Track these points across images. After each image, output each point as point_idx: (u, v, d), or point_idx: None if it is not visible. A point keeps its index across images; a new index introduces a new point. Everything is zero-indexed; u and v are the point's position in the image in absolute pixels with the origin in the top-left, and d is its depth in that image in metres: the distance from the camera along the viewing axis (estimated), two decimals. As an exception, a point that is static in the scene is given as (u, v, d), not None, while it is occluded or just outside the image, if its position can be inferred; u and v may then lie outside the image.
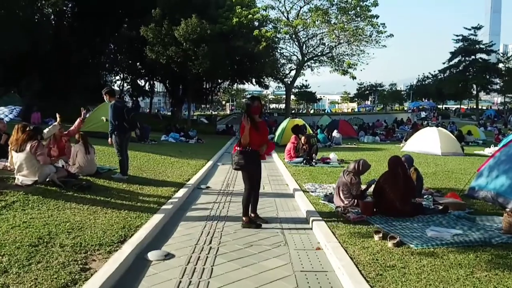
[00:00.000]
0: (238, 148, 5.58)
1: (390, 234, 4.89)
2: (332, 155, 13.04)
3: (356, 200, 6.49)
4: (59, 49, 27.56)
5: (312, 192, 7.88)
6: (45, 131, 7.31)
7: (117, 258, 4.07)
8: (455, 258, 4.31)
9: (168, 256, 4.43)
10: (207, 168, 11.15)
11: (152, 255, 4.41)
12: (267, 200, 7.52)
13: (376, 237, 4.87)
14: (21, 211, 5.26)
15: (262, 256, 4.51)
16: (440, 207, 6.50)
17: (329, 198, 7.04)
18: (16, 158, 6.52)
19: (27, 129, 6.55)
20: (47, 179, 6.57)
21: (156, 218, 5.60)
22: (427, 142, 16.56)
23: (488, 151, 18.11)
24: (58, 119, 8.26)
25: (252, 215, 5.82)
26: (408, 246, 4.67)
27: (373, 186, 6.61)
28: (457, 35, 62.47)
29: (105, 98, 8.17)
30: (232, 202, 7.24)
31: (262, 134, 5.68)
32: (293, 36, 30.22)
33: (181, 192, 7.48)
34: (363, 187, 7.04)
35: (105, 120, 10.73)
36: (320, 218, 5.84)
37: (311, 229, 5.67)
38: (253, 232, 5.42)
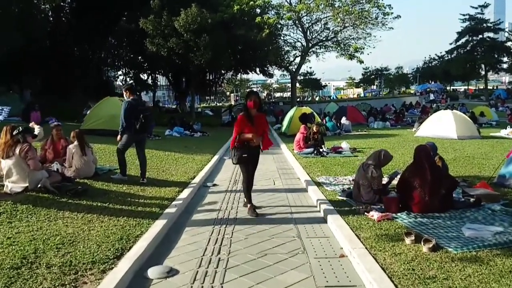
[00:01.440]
0: (236, 144, 5.79)
1: (424, 236, 4.28)
2: (344, 144, 12.40)
3: (378, 196, 5.88)
4: (59, 46, 27.00)
5: (327, 186, 7.27)
6: (36, 132, 6.74)
7: (111, 279, 3.51)
8: (503, 264, 3.70)
9: (171, 272, 3.86)
10: (213, 163, 10.58)
11: (152, 272, 3.84)
12: (279, 196, 6.94)
13: (407, 240, 4.27)
14: (7, 225, 4.72)
15: (279, 269, 3.92)
16: (472, 200, 5.88)
17: (347, 193, 6.43)
18: (4, 163, 5.98)
19: (14, 133, 5.96)
20: (39, 185, 6.03)
21: (158, 225, 5.03)
22: (442, 126, 15.85)
23: (504, 132, 17.42)
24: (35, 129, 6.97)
25: (249, 205, 5.96)
26: (445, 250, 4.06)
27: (396, 178, 6.00)
28: (463, 14, 61.00)
29: (124, 94, 7.75)
30: (241, 201, 6.66)
31: (257, 128, 5.82)
32: (297, 22, 29.40)
33: (186, 192, 6.91)
34: (385, 180, 6.45)
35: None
36: (340, 218, 5.24)
37: (331, 229, 5.08)
38: (266, 237, 4.84)
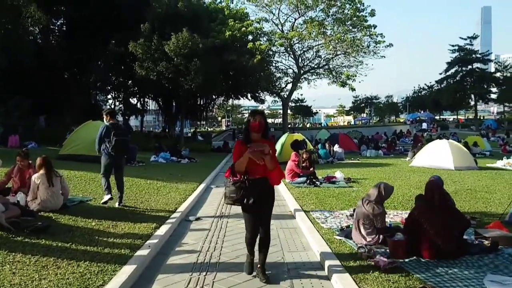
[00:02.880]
0: (231, 178, 4.20)
1: (444, 294, 3.56)
2: (338, 174, 11.73)
3: (381, 236, 5.17)
4: (47, 68, 26.37)
5: (322, 223, 6.54)
6: None
7: None
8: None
9: None
10: (198, 193, 9.80)
11: None
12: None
13: (423, 298, 3.54)
14: None
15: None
16: (487, 242, 5.19)
17: (346, 233, 5.70)
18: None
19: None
20: (-8, 221, 5.22)
21: (125, 272, 4.23)
22: (438, 156, 15.33)
23: (501, 163, 16.97)
24: None
25: (259, 266, 4.39)
26: (471, 312, 3.34)
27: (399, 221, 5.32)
28: (453, 45, 62.05)
29: (104, 119, 7.72)
30: (226, 240, 5.89)
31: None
32: (288, 49, 29.23)
33: (164, 229, 6.11)
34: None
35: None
36: (340, 264, 4.50)
37: (330, 280, 4.34)
38: (253, 290, 4.07)
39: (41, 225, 5.34)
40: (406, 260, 4.58)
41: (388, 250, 4.89)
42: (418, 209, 4.90)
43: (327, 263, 4.60)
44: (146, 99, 41.98)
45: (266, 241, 4.39)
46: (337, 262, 4.59)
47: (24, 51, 23.16)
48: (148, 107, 48.32)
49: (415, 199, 6.14)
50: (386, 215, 5.56)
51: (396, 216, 7.00)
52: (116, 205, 7.49)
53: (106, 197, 7.41)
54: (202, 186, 10.93)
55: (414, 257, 4.62)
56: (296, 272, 4.62)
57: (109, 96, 43.44)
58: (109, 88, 37.86)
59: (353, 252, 4.98)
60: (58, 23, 30.87)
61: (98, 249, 4.93)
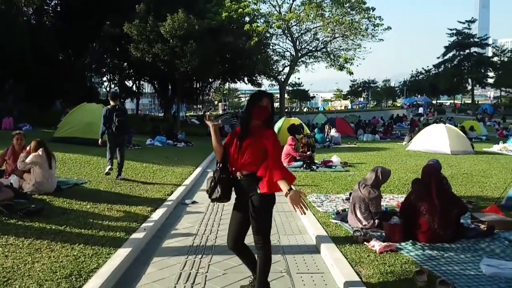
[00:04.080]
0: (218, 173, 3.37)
1: (440, 278, 3.55)
2: (335, 158, 11.70)
3: (378, 220, 5.15)
4: (42, 50, 25.95)
5: (318, 207, 6.52)
6: None
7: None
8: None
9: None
10: (194, 177, 9.76)
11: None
12: (265, 218, 6.15)
13: (419, 282, 3.53)
14: None
15: (263, 320, 3.14)
16: (482, 226, 5.19)
17: (342, 216, 5.68)
18: None
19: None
20: (-16, 203, 5.15)
21: (120, 255, 4.20)
22: (434, 140, 15.30)
23: (497, 148, 17.02)
24: None
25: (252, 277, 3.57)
26: (467, 295, 3.33)
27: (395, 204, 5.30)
28: (451, 29, 61.67)
29: (110, 102, 8.62)
30: (222, 223, 5.86)
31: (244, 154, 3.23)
32: (286, 31, 28.83)
33: (160, 212, 6.08)
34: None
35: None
36: (336, 248, 4.48)
37: (325, 262, 4.33)
38: (249, 272, 4.00)
39: (35, 208, 5.27)
40: (402, 243, 4.56)
41: (384, 234, 4.88)
42: (415, 193, 4.87)
43: (323, 246, 4.59)
44: (142, 82, 41.58)
45: (261, 262, 3.25)
46: (333, 245, 4.57)
47: (17, 32, 22.74)
48: (144, 90, 47.91)
49: (411, 183, 6.10)
50: (382, 199, 5.53)
51: (392, 200, 7.00)
52: (115, 177, 8.36)
53: (107, 168, 8.37)
54: (198, 170, 10.88)
55: (410, 241, 4.60)
56: (290, 252, 4.61)
57: (105, 79, 43.00)
58: (104, 70, 37.43)
59: (349, 236, 4.97)
60: (52, 3, 30.31)
61: (92, 232, 4.89)
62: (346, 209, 5.80)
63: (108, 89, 43.15)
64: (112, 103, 8.46)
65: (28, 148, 6.73)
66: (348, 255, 4.26)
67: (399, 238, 4.67)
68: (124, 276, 3.96)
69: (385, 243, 4.44)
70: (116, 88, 42.55)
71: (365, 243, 4.59)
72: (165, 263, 4.31)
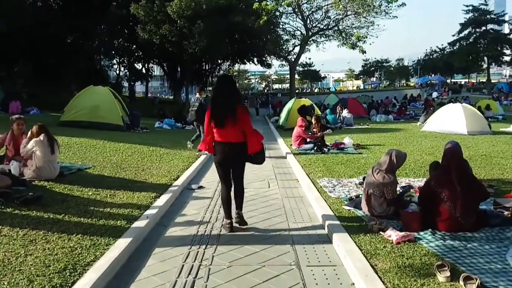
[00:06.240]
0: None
1: (464, 273, 3.23)
2: (347, 140, 11.33)
3: (393, 207, 4.83)
4: (48, 32, 25.70)
5: (330, 192, 6.20)
6: None
7: None
8: None
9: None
10: (202, 160, 9.51)
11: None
12: (274, 204, 5.89)
13: (441, 277, 3.21)
14: None
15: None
16: (506, 213, 4.83)
17: (355, 203, 5.36)
18: None
19: None
20: (-19, 191, 4.95)
21: (119, 246, 3.97)
22: (450, 120, 14.79)
23: (515, 127, 16.42)
24: None
25: (236, 211, 4.85)
26: (495, 293, 3.02)
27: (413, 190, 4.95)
28: (466, 6, 59.73)
29: (198, 94, 11.38)
30: (229, 210, 5.59)
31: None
32: (296, 9, 28.10)
33: (164, 198, 5.83)
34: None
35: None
36: (349, 238, 4.18)
37: (337, 254, 4.04)
38: (255, 265, 3.77)
39: (32, 196, 5.04)
40: (421, 233, 4.24)
41: (400, 222, 4.57)
42: (435, 178, 4.52)
43: (335, 236, 4.29)
44: (151, 65, 41.27)
45: (239, 190, 4.84)
46: (346, 235, 4.27)
47: (24, 14, 22.44)
48: (153, 73, 47.61)
49: (429, 166, 5.78)
50: (397, 184, 5.19)
51: (408, 184, 6.64)
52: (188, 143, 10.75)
53: (191, 145, 10.71)
54: (206, 153, 10.59)
55: (429, 230, 4.28)
56: (300, 243, 4.33)
57: (114, 61, 42.75)
58: (113, 52, 37.12)
59: (363, 224, 4.66)
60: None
61: (92, 220, 4.66)
62: (360, 195, 5.48)
63: (117, 71, 42.92)
64: (200, 96, 11.06)
65: (29, 133, 6.49)
66: (363, 246, 3.96)
67: (418, 227, 4.34)
68: (122, 269, 3.71)
69: (403, 233, 4.12)
70: (126, 71, 42.34)
71: (380, 232, 4.28)
72: (167, 254, 4.07)
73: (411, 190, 5.57)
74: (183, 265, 3.78)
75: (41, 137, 6.40)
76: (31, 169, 6.22)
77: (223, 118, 4.50)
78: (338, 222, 4.70)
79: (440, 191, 4.31)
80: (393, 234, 4.11)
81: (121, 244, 4.04)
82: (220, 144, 4.65)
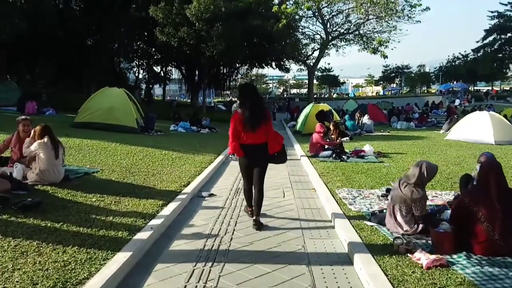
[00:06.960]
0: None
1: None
2: (368, 147, 10.81)
3: (421, 225, 4.35)
4: (68, 33, 25.92)
5: (350, 204, 5.74)
6: None
7: None
8: None
9: None
10: (215, 166, 9.13)
11: None
12: (289, 215, 5.47)
13: (483, 314, 2.74)
14: None
15: None
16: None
17: (378, 218, 4.89)
18: None
19: None
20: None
21: (117, 261, 3.60)
22: (477, 129, 14.12)
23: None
24: None
25: (254, 218, 5.03)
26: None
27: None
28: (492, 11, 58.23)
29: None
30: (240, 221, 5.21)
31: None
32: (316, 13, 27.63)
33: (172, 207, 5.47)
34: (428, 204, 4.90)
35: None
36: (372, 260, 3.72)
37: (359, 278, 3.59)
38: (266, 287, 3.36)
39: (31, 201, 4.72)
40: (454, 256, 3.76)
41: (430, 242, 4.09)
42: (470, 195, 4.03)
43: (357, 256, 3.84)
44: (169, 68, 41.31)
45: (258, 198, 5.02)
46: (369, 256, 3.82)
47: (45, 16, 22.61)
48: (171, 76, 47.71)
49: (460, 180, 5.26)
50: (427, 200, 4.71)
51: (435, 197, 6.14)
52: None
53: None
54: (220, 158, 10.26)
55: (464, 253, 3.79)
56: (317, 263, 3.89)
57: (133, 64, 42.95)
58: (132, 55, 37.25)
59: (388, 243, 4.19)
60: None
61: (92, 230, 4.31)
62: (384, 210, 5.01)
63: (137, 74, 43.12)
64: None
65: (32, 133, 6.23)
66: (388, 270, 3.50)
67: (450, 249, 3.86)
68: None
69: (434, 256, 3.63)
70: (145, 74, 42.51)
71: (408, 254, 3.81)
72: (169, 272, 3.68)
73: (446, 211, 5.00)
74: (185, 286, 3.39)
75: (45, 139, 6.12)
76: (34, 172, 5.95)
77: (258, 124, 4.92)
78: (360, 241, 4.24)
79: (477, 210, 3.82)
80: (422, 257, 3.63)
81: (120, 258, 3.68)
82: (247, 146, 5.00)
